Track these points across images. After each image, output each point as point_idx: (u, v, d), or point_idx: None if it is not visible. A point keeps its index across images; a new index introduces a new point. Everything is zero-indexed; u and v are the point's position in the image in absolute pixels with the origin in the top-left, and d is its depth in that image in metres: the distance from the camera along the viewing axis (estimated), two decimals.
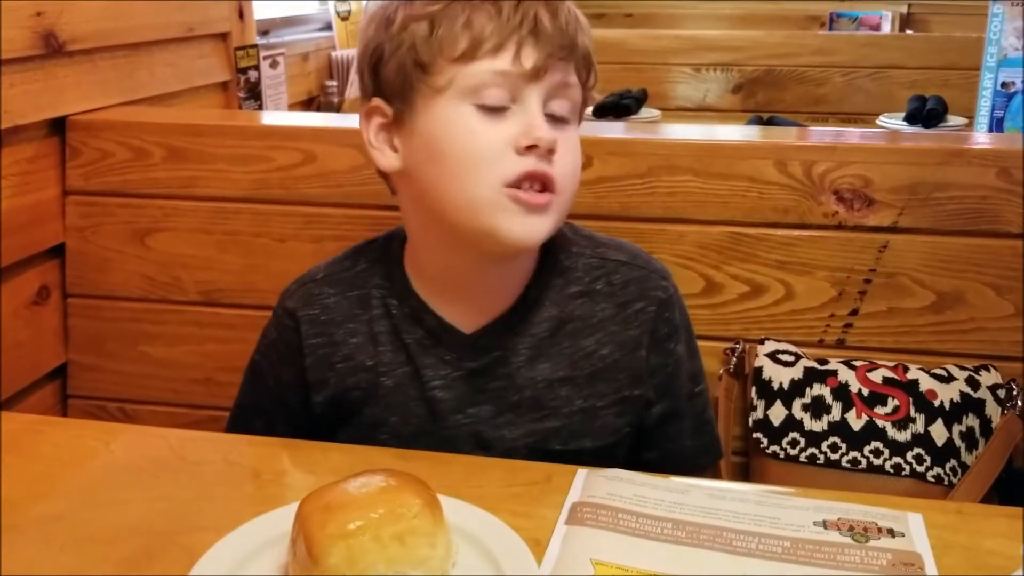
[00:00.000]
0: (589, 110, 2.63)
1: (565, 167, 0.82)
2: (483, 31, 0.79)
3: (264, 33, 2.21)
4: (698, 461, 0.97)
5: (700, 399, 0.98)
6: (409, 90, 0.82)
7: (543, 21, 0.79)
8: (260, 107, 1.91)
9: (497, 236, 0.81)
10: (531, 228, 0.81)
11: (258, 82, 1.90)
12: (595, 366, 0.91)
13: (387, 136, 0.86)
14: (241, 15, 1.83)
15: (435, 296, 0.90)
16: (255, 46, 1.88)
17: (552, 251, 0.92)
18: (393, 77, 0.83)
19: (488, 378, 0.90)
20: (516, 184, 0.80)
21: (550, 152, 0.80)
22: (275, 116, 1.87)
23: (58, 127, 1.36)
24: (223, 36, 1.78)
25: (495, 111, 0.80)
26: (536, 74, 0.80)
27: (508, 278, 0.90)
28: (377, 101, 0.85)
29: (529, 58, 0.79)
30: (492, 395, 0.90)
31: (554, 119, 0.82)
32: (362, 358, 0.91)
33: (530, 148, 0.79)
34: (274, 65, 1.97)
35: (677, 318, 0.94)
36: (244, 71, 1.84)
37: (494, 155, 0.79)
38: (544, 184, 0.81)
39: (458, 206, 0.82)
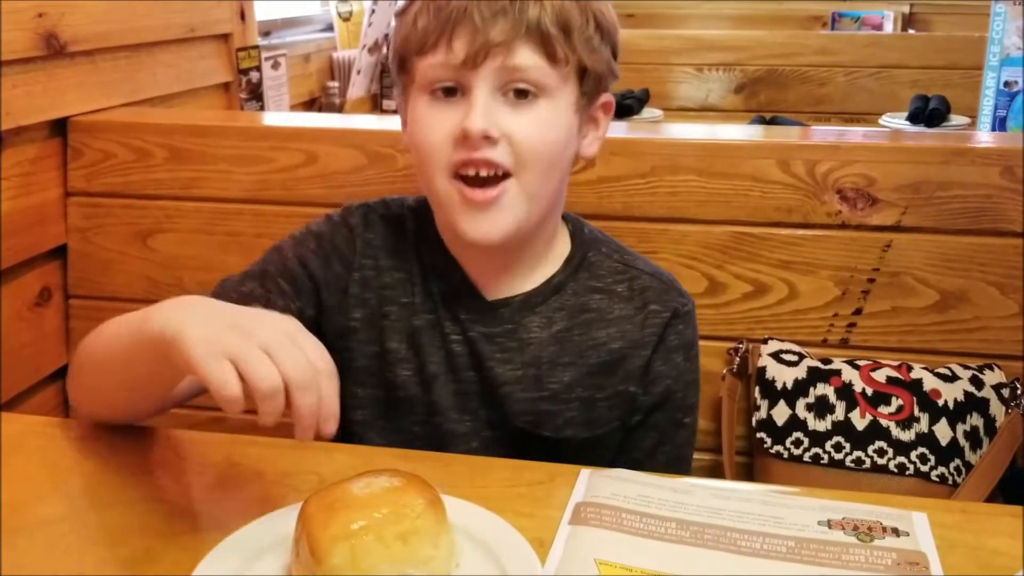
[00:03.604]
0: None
1: (521, 145, 0.84)
2: (425, 27, 0.84)
3: (265, 34, 2.21)
4: None
5: (684, 431, 0.98)
6: (401, 82, 0.90)
7: (473, 12, 0.81)
8: (262, 108, 1.91)
9: (458, 231, 0.87)
10: (484, 226, 0.85)
11: (260, 83, 1.90)
12: (602, 359, 0.93)
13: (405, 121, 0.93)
14: (243, 16, 1.83)
15: (463, 257, 0.94)
16: (257, 47, 1.88)
17: (582, 246, 0.96)
18: (393, 70, 0.92)
19: (497, 347, 0.93)
20: (461, 172, 0.84)
21: (488, 139, 0.82)
22: (277, 117, 1.87)
23: (60, 128, 1.36)
24: (224, 37, 1.78)
25: (444, 100, 0.85)
26: (469, 63, 0.82)
27: (531, 259, 0.93)
28: (397, 90, 0.93)
29: (461, 49, 0.82)
30: (499, 363, 0.93)
31: (515, 97, 0.84)
32: (399, 293, 0.95)
33: (465, 138, 0.82)
34: (276, 66, 1.97)
35: (689, 337, 0.96)
36: (246, 72, 1.84)
37: (442, 143, 0.84)
38: (490, 168, 0.83)
39: (429, 192, 0.89)
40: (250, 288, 0.92)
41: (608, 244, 0.99)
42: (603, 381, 0.93)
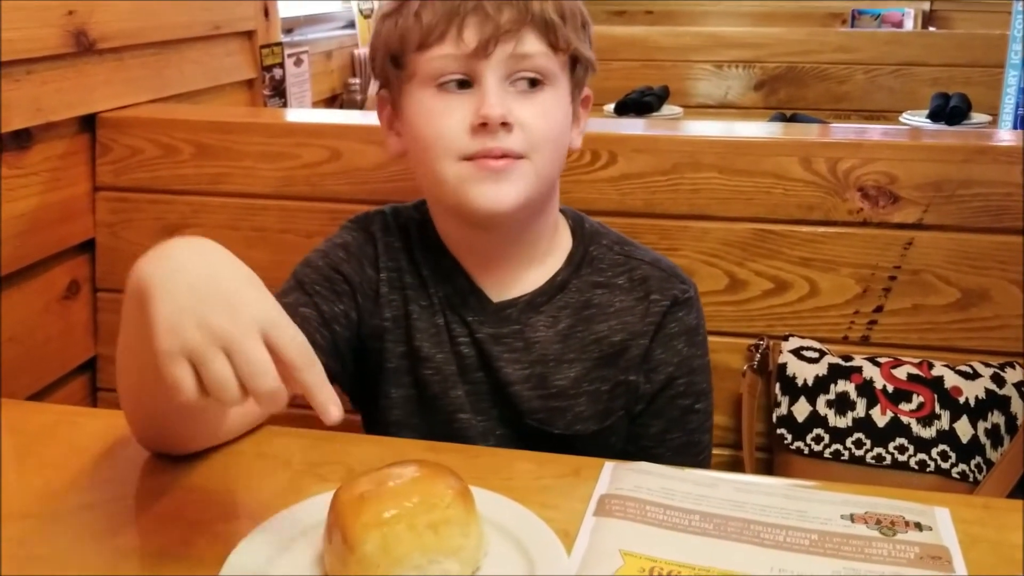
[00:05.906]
0: (611, 106, 2.60)
1: (533, 132, 0.86)
2: (431, 20, 0.85)
3: (288, 31, 2.22)
4: None
5: (696, 416, 0.98)
6: (394, 80, 0.91)
7: (485, 3, 0.84)
8: (285, 105, 1.93)
9: (468, 205, 0.87)
10: (496, 194, 0.86)
11: (283, 80, 1.91)
12: (604, 351, 0.95)
13: (393, 122, 0.94)
14: (266, 13, 1.84)
15: (466, 260, 0.96)
16: (280, 44, 1.90)
17: (583, 242, 0.98)
18: (381, 70, 0.92)
19: (505, 348, 0.94)
20: (474, 159, 0.86)
21: (505, 126, 0.84)
22: (300, 114, 1.88)
23: (89, 124, 1.38)
24: (249, 34, 1.80)
25: (454, 91, 0.86)
26: (480, 52, 0.84)
27: (534, 257, 0.95)
28: (383, 92, 0.94)
29: (472, 39, 0.84)
30: (507, 363, 0.94)
31: (521, 88, 0.86)
32: (419, 295, 0.96)
33: (482, 126, 0.84)
34: (298, 63, 1.99)
35: (692, 323, 0.97)
36: (269, 69, 1.86)
37: (453, 133, 0.85)
38: (507, 156, 0.85)
39: (434, 181, 0.89)
40: (294, 299, 0.93)
41: (609, 236, 1.00)
42: (607, 373, 0.95)
